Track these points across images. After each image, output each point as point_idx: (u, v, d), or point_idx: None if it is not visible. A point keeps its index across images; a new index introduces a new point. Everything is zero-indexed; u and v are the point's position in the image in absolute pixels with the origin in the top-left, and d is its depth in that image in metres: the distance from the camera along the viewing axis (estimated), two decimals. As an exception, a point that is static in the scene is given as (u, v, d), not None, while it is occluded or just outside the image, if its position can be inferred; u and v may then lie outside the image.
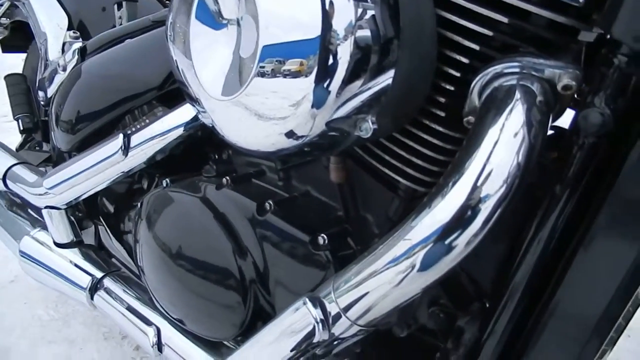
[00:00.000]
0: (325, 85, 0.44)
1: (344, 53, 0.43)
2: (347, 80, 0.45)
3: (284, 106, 0.46)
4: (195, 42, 0.52)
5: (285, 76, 0.45)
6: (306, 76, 0.44)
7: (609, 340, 0.49)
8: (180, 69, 0.56)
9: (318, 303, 0.54)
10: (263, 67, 0.45)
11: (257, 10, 0.45)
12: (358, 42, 0.43)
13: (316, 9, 0.42)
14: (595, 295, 0.46)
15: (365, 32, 0.44)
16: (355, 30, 0.43)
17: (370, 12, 0.43)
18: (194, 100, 0.57)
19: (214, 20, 0.50)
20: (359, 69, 0.44)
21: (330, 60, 0.43)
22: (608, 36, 0.41)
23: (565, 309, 0.48)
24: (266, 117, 0.48)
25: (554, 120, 0.47)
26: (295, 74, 0.44)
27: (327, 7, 0.42)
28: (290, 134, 0.48)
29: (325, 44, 0.43)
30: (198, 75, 0.52)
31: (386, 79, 0.46)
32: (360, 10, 0.43)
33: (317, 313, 0.53)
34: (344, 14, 0.43)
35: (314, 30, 0.43)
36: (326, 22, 0.42)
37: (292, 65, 0.44)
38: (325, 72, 0.44)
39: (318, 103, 0.45)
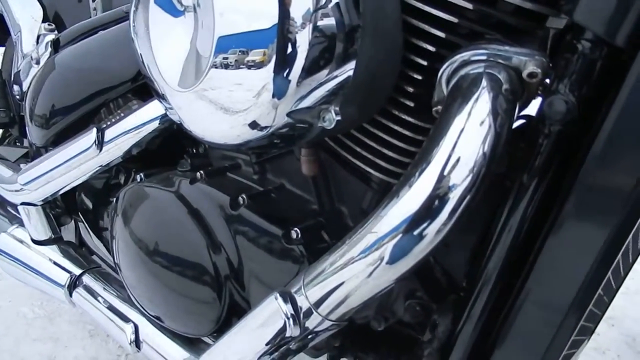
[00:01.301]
0: (284, 74, 0.43)
1: (303, 42, 0.42)
2: (307, 70, 0.44)
3: (244, 97, 0.45)
4: (154, 30, 0.51)
5: (243, 67, 0.44)
6: (265, 66, 0.43)
7: (584, 329, 0.49)
8: (145, 63, 0.55)
9: (289, 298, 0.53)
10: (220, 57, 0.44)
11: None
12: (317, 30, 0.42)
13: (273, -3, 0.41)
14: (565, 283, 0.46)
15: (325, 20, 0.42)
16: (314, 18, 0.42)
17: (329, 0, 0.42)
18: (160, 96, 0.56)
19: (173, 6, 0.48)
20: (319, 58, 0.43)
21: (289, 49, 0.42)
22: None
23: (536, 297, 0.48)
24: (228, 108, 0.47)
25: (521, 109, 0.47)
26: (254, 64, 0.43)
27: (283, -6, 0.41)
28: (253, 125, 0.47)
29: (282, 32, 0.42)
30: (159, 67, 0.51)
31: (348, 68, 0.45)
32: (318, -3, 0.42)
33: (288, 308, 0.53)
34: (302, 2, 0.42)
35: (271, 18, 0.42)
36: (283, 10, 0.41)
37: (250, 55, 0.43)
38: (284, 62, 0.43)
39: (279, 93, 0.44)
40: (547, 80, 0.45)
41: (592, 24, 0.38)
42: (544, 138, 0.43)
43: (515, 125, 0.46)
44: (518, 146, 0.47)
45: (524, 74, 0.43)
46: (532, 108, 0.48)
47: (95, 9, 1.08)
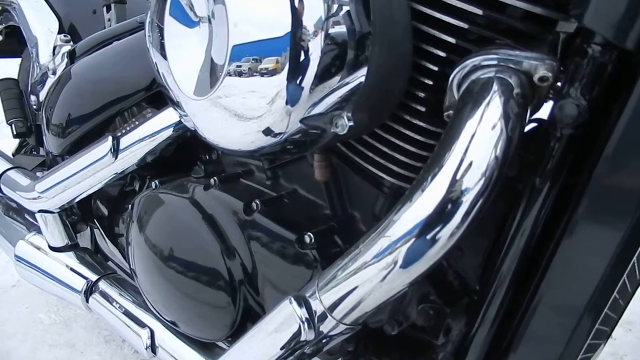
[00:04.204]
0: (297, 82, 0.44)
1: (315, 49, 0.43)
2: (320, 77, 0.44)
3: (258, 104, 0.46)
4: (170, 41, 0.52)
5: (257, 74, 0.45)
6: (278, 74, 0.44)
7: (600, 333, 0.49)
8: (161, 72, 0.56)
9: (303, 302, 0.54)
10: (234, 66, 0.45)
11: (226, 7, 0.44)
12: (328, 38, 0.43)
13: (285, 6, 0.42)
14: (579, 285, 0.46)
15: (336, 28, 0.43)
16: (325, 26, 0.43)
17: (340, 7, 0.43)
18: (175, 104, 0.57)
19: (187, 17, 0.49)
20: (331, 65, 0.44)
21: (302, 57, 0.43)
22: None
23: (550, 301, 0.48)
24: (242, 115, 0.48)
25: (533, 113, 0.47)
26: (267, 72, 0.44)
27: (296, 3, 0.42)
28: (267, 132, 0.48)
29: (295, 41, 0.42)
30: (174, 76, 0.52)
31: (360, 74, 0.46)
32: (329, 6, 0.43)
33: (302, 312, 0.53)
34: (313, 10, 0.42)
35: (284, 27, 0.42)
36: (295, 19, 0.42)
37: (263, 63, 0.44)
38: (297, 69, 0.43)
39: (292, 100, 0.45)
40: (559, 84, 0.45)
41: (601, 28, 0.38)
42: (555, 141, 0.43)
43: (526, 129, 0.46)
44: (530, 150, 0.47)
45: (535, 78, 0.43)
46: (544, 111, 0.48)
47: (109, 19, 1.10)
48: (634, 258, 0.44)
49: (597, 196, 0.42)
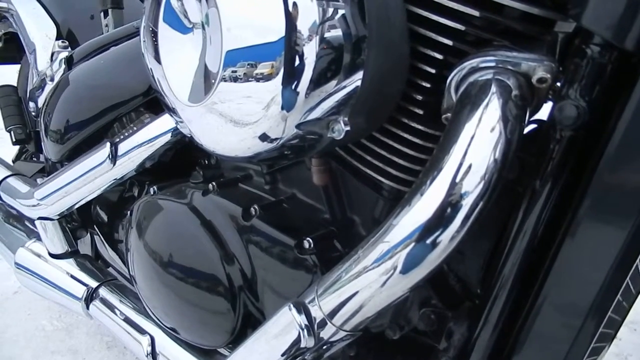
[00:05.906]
0: (292, 87, 0.43)
1: (310, 54, 0.42)
2: (315, 81, 0.44)
3: (254, 110, 0.46)
4: (164, 47, 0.51)
5: (252, 80, 0.44)
6: (273, 79, 0.43)
7: (604, 335, 0.48)
8: (156, 78, 0.56)
9: (302, 309, 0.53)
10: (228, 71, 0.45)
11: (220, 13, 0.44)
12: (324, 42, 0.43)
13: (279, 10, 0.41)
14: (582, 289, 0.45)
15: (331, 32, 0.43)
16: (320, 30, 0.42)
17: (335, 11, 0.43)
18: (171, 110, 0.56)
19: (181, 23, 0.49)
20: (326, 70, 0.44)
21: (296, 62, 0.42)
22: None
23: (553, 305, 0.47)
24: (238, 121, 0.47)
25: (532, 114, 0.46)
26: (262, 77, 0.44)
27: (290, 8, 0.41)
28: (263, 137, 0.47)
29: (290, 45, 0.42)
30: (169, 82, 0.52)
31: (356, 78, 0.45)
32: (324, 10, 0.42)
33: (302, 319, 0.52)
34: (308, 14, 0.42)
35: (278, 32, 0.42)
36: (290, 24, 0.42)
37: (258, 68, 0.43)
38: (292, 74, 0.43)
39: (287, 105, 0.44)
40: (558, 85, 0.44)
41: (600, 28, 0.38)
42: (555, 143, 0.43)
43: (526, 130, 0.45)
44: (529, 152, 0.47)
45: (534, 80, 0.42)
46: (544, 112, 0.47)
47: (107, 25, 1.10)
48: (638, 260, 0.43)
49: (599, 198, 0.42)
